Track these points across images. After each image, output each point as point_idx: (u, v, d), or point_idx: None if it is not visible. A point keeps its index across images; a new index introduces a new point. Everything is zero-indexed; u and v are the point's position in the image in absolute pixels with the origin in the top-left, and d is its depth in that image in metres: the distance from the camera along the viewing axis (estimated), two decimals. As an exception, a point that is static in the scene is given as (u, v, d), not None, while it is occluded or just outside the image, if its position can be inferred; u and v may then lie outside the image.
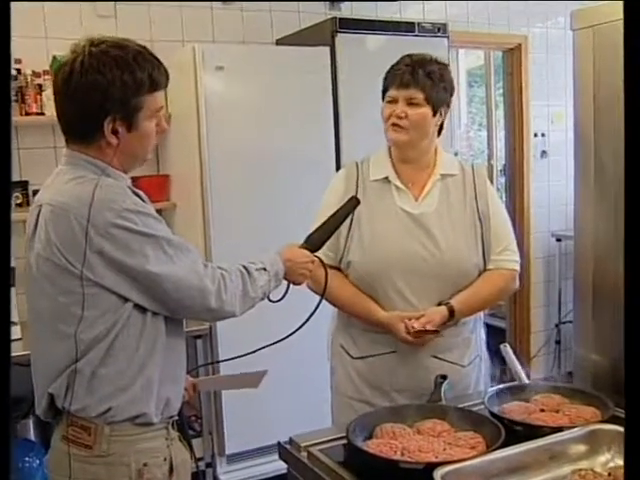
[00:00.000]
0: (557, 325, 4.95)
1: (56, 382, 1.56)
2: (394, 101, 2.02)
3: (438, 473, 1.36)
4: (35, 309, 1.62)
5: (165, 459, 1.62)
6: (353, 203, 1.96)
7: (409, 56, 2.06)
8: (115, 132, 1.54)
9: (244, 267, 1.70)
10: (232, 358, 1.91)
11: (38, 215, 1.57)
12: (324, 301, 2.12)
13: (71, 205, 1.50)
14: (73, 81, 1.51)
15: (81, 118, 1.55)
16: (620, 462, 1.51)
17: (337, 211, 1.94)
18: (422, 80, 1.99)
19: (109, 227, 1.47)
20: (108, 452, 1.55)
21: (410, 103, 2.00)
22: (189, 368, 1.77)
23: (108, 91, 1.50)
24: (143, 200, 1.60)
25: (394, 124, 2.02)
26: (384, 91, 2.07)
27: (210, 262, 1.67)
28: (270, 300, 1.81)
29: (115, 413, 1.55)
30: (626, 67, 1.13)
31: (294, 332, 1.82)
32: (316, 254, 1.89)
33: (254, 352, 1.83)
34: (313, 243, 1.90)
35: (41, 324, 1.60)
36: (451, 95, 2.08)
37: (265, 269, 1.74)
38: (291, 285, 1.86)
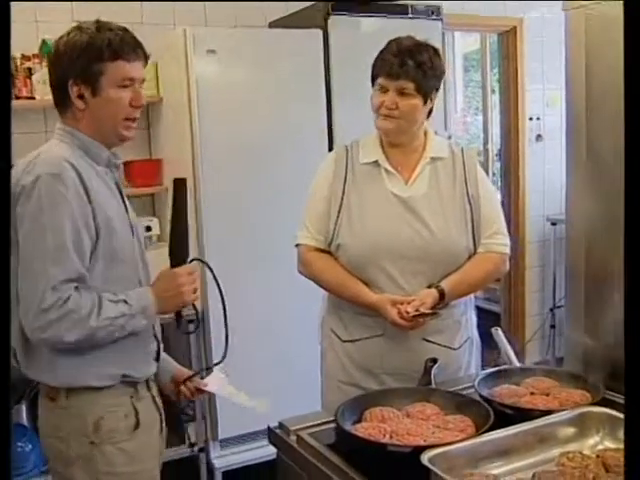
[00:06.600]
0: (552, 309, 4.95)
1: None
2: (384, 90, 2.00)
3: (425, 456, 1.35)
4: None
5: (126, 415, 1.71)
6: (180, 187, 1.75)
7: (396, 42, 2.01)
8: (81, 97, 1.65)
9: (99, 296, 1.62)
10: (219, 362, 1.89)
11: None
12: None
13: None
14: (51, 58, 1.71)
15: (52, 86, 1.70)
16: (609, 445, 1.51)
17: (173, 205, 1.74)
18: (412, 71, 1.95)
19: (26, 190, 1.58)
20: (69, 405, 1.68)
21: (401, 93, 1.97)
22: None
23: (68, 56, 1.64)
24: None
25: (384, 115, 2.00)
26: (373, 78, 2.04)
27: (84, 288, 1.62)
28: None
29: (71, 384, 1.66)
30: (626, 58, 1.12)
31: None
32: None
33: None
34: (176, 254, 1.75)
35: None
36: (441, 78, 2.06)
37: (126, 302, 1.65)
38: (229, 341, 1.80)
